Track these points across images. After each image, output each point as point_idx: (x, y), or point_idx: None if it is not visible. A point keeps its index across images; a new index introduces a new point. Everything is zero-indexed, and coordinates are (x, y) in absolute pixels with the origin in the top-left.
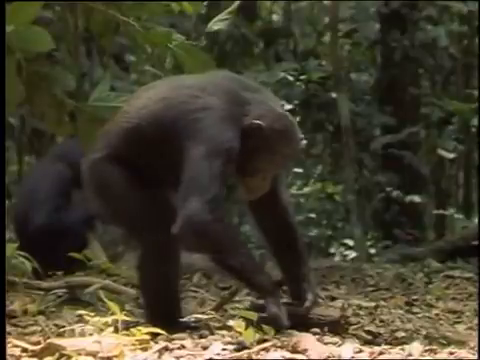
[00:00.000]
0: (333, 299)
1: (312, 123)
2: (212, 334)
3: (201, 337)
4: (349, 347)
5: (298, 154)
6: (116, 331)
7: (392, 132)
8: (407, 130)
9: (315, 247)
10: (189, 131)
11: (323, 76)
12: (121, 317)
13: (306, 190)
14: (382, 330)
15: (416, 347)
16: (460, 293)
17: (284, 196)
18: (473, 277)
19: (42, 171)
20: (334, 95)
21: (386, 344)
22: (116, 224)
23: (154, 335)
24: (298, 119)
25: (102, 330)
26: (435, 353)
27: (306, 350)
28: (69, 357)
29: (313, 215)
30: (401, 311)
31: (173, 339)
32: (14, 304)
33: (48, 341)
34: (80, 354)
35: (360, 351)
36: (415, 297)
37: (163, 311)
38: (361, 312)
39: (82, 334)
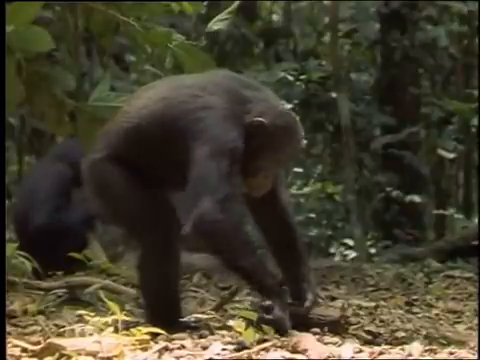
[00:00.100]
0: (333, 299)
1: (312, 123)
2: (212, 334)
3: (201, 337)
4: (349, 347)
5: (300, 151)
6: (116, 331)
7: (392, 132)
8: (407, 130)
9: (315, 247)
10: (192, 131)
11: (323, 76)
12: (121, 317)
13: (306, 190)
14: (382, 330)
15: (416, 347)
16: (460, 293)
17: (284, 196)
18: (473, 277)
19: (42, 171)
20: (334, 95)
21: (386, 344)
22: (116, 224)
23: (154, 335)
24: (298, 119)
25: (102, 330)
26: (435, 353)
27: (306, 350)
28: (69, 357)
29: (313, 215)
30: (401, 311)
31: (173, 339)
32: (14, 304)
33: (48, 341)
34: (80, 354)
35: (360, 351)
36: (415, 297)
37: (163, 311)
38: (361, 312)
39: (82, 334)
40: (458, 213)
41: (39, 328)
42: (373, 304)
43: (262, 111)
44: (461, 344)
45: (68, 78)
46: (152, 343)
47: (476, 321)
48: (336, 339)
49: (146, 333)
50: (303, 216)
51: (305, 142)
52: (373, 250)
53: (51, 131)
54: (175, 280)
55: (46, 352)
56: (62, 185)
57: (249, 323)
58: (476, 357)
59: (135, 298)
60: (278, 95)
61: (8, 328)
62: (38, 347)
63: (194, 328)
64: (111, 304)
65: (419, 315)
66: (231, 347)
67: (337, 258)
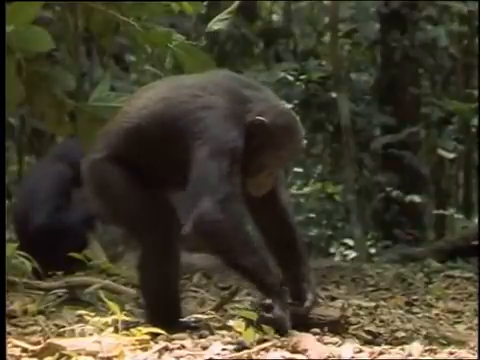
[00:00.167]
0: (333, 299)
1: (312, 123)
2: (212, 334)
3: (201, 337)
4: (349, 347)
5: (301, 149)
6: (116, 331)
7: (392, 132)
8: (407, 130)
9: (315, 247)
10: (192, 131)
11: (323, 76)
12: (121, 317)
13: (306, 190)
14: (382, 330)
15: (416, 347)
16: (460, 293)
17: (283, 196)
18: (473, 277)
19: (42, 171)
20: (334, 95)
21: (386, 344)
22: (116, 224)
23: (154, 335)
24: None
25: (102, 330)
26: (435, 353)
27: (306, 350)
28: (69, 357)
29: (313, 215)
30: (401, 311)
31: (173, 339)
32: (14, 304)
33: (48, 341)
34: (80, 354)
35: (360, 351)
36: (415, 297)
37: (163, 311)
38: (361, 312)
39: (82, 334)
40: (458, 213)
41: (39, 328)
42: (373, 304)
43: (263, 110)
44: (461, 344)
45: (68, 78)
46: (152, 343)
47: (476, 321)
48: (336, 339)
49: (146, 333)
50: (303, 216)
51: (305, 142)
52: (373, 250)
53: (51, 131)
54: (175, 280)
55: (46, 352)
56: (62, 185)
57: (249, 323)
58: (476, 357)
59: (135, 298)
60: (278, 95)
61: (8, 328)
62: (38, 347)
63: (194, 328)
64: (111, 304)
65: (419, 315)
66: (231, 347)
67: (337, 258)
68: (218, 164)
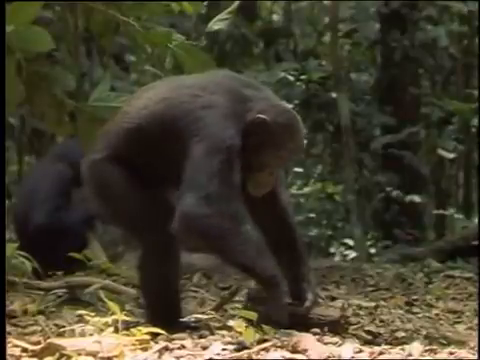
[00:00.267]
0: (333, 299)
1: (312, 123)
2: (212, 334)
3: (201, 337)
4: (349, 347)
5: (303, 148)
6: (116, 331)
7: (392, 132)
8: (407, 130)
9: (315, 247)
10: (191, 130)
11: (323, 76)
12: (121, 317)
13: (306, 190)
14: (382, 330)
15: (416, 347)
16: (460, 293)
17: (283, 196)
18: (473, 277)
19: (42, 171)
20: (334, 95)
21: (386, 344)
22: (116, 224)
23: (154, 335)
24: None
25: (102, 330)
26: (435, 353)
27: (306, 350)
28: (69, 357)
29: (313, 215)
30: (401, 311)
31: (173, 339)
32: (14, 304)
33: (48, 341)
34: (80, 354)
35: (360, 351)
36: (415, 297)
37: (163, 311)
38: (361, 312)
39: (82, 334)
40: (458, 213)
41: (39, 328)
42: (373, 304)
43: (263, 109)
44: (461, 344)
45: (68, 78)
46: (152, 343)
47: (476, 321)
48: (336, 339)
49: (146, 333)
50: (303, 216)
51: (305, 142)
52: (373, 250)
53: (51, 131)
54: (175, 280)
55: (46, 352)
56: (62, 185)
57: (249, 323)
58: (476, 357)
59: (135, 298)
60: (278, 95)
61: (8, 328)
62: (38, 347)
63: (194, 328)
64: (111, 304)
65: (419, 315)
66: (231, 347)
67: (337, 258)
68: (211, 162)
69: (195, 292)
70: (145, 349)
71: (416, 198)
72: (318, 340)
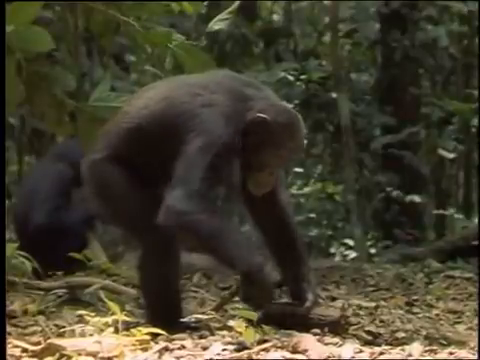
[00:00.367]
0: (333, 299)
1: (312, 123)
2: (212, 334)
3: (201, 337)
4: (349, 347)
5: (303, 147)
6: (116, 331)
7: (392, 132)
8: (407, 130)
9: (315, 247)
10: (188, 126)
11: (323, 76)
12: (121, 317)
13: (306, 190)
14: (382, 330)
15: (416, 347)
16: (460, 293)
17: (283, 196)
18: (473, 277)
19: (42, 171)
20: (334, 95)
21: (386, 344)
22: (116, 224)
23: (154, 335)
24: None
25: (102, 330)
26: (435, 353)
27: (306, 350)
28: (69, 357)
29: (313, 215)
30: (401, 311)
31: (173, 339)
32: (14, 304)
33: (48, 341)
34: (80, 354)
35: (360, 351)
36: (415, 297)
37: (163, 311)
38: (361, 312)
39: (82, 334)
40: (458, 213)
41: (39, 328)
42: (373, 304)
43: (264, 108)
44: (461, 344)
45: (68, 78)
46: (152, 343)
47: (476, 321)
48: (336, 339)
49: (146, 333)
50: (303, 216)
51: (305, 142)
52: (373, 250)
53: (51, 131)
54: (175, 280)
55: (46, 352)
56: (62, 185)
57: (249, 323)
58: (476, 357)
59: (135, 298)
60: (278, 95)
61: (8, 328)
62: (38, 347)
63: (194, 328)
64: (111, 304)
65: (419, 315)
66: (231, 347)
67: (337, 258)
68: (203, 158)
69: (195, 292)
70: (145, 349)
71: (416, 198)
72: (318, 340)
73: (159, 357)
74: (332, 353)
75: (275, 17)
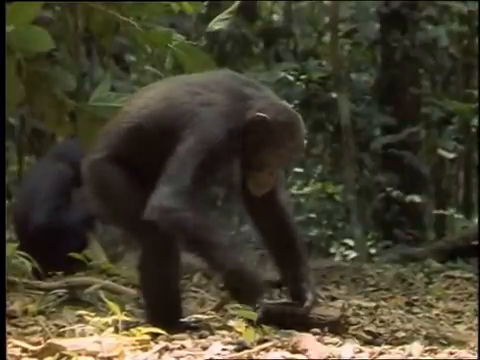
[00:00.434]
0: (333, 299)
1: (312, 123)
2: (212, 334)
3: (201, 337)
4: (349, 347)
5: (303, 147)
6: (116, 331)
7: (392, 132)
8: (407, 130)
9: (315, 247)
10: (185, 123)
11: (323, 76)
12: (121, 317)
13: (306, 190)
14: (382, 330)
15: (416, 347)
16: (460, 293)
17: (282, 196)
18: (473, 277)
19: (42, 171)
20: (334, 95)
21: (386, 344)
22: (116, 224)
23: (154, 335)
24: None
25: (102, 330)
26: (435, 353)
27: (306, 350)
28: (69, 357)
29: (313, 215)
30: (401, 311)
31: (173, 339)
32: (14, 304)
33: (48, 341)
34: (80, 354)
35: (360, 351)
36: (415, 297)
37: (163, 311)
38: (361, 312)
39: (82, 334)
40: (458, 213)
41: (39, 328)
42: (373, 304)
43: (263, 107)
44: (461, 344)
45: (68, 78)
46: (152, 343)
47: (476, 321)
48: (336, 339)
49: (146, 333)
50: (303, 216)
51: (305, 142)
52: (373, 250)
53: (51, 131)
54: (175, 280)
55: (46, 352)
56: (62, 185)
57: (249, 323)
58: (476, 357)
59: (135, 298)
60: (278, 95)
61: (8, 328)
62: (38, 347)
63: (194, 328)
64: (111, 304)
65: (419, 315)
66: (231, 347)
67: (337, 258)
68: (195, 156)
69: (195, 292)
70: (145, 349)
71: (416, 198)
72: (318, 340)
73: (159, 357)
74: (332, 353)
75: (275, 17)
